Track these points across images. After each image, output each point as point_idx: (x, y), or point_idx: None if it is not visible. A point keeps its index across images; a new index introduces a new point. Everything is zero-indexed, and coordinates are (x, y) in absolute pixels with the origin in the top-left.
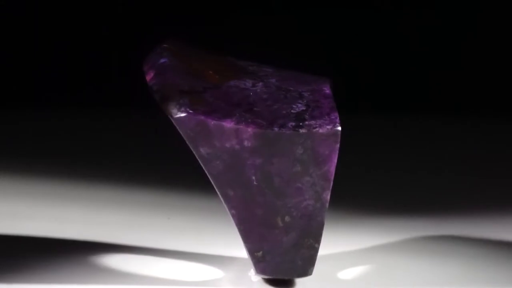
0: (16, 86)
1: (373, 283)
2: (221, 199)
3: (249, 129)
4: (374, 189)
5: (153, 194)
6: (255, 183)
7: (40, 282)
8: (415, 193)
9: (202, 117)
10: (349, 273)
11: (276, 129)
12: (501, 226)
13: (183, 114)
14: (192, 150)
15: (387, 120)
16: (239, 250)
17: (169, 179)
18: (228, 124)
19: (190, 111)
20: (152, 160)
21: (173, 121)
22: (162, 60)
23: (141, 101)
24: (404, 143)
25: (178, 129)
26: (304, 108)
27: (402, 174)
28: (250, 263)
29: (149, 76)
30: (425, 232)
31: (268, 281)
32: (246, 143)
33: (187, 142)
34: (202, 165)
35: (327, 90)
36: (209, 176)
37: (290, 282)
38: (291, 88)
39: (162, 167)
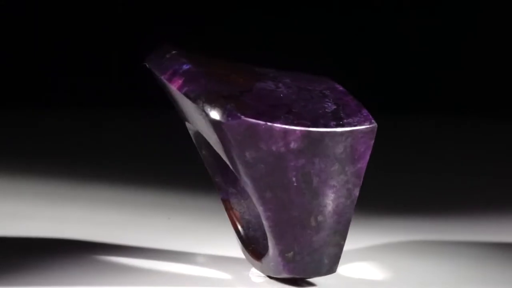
0: (16, 86)
1: (373, 282)
2: (256, 201)
3: (297, 131)
4: (374, 189)
5: (153, 194)
6: (295, 184)
7: (40, 282)
8: (415, 193)
9: (253, 121)
10: (350, 272)
11: (321, 129)
12: (502, 225)
13: (233, 119)
14: (233, 155)
15: (387, 120)
16: (239, 250)
17: (169, 179)
18: (277, 127)
19: (241, 116)
20: (152, 160)
21: (215, 126)
22: (185, 67)
23: (141, 102)
24: (404, 143)
25: (219, 135)
26: (335, 107)
27: (402, 174)
28: (248, 263)
29: (177, 84)
30: (425, 232)
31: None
32: (292, 144)
33: (226, 148)
34: (242, 169)
35: (340, 87)
36: (247, 180)
37: (295, 281)
38: (310, 88)
39: (162, 167)
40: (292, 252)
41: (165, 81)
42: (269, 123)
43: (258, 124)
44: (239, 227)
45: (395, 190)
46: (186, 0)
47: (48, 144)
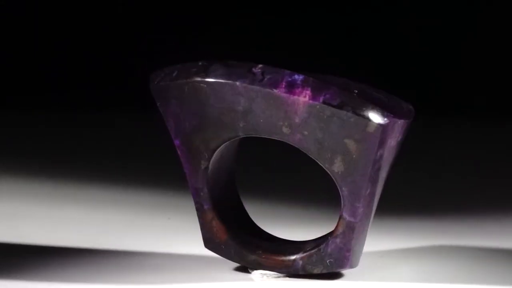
0: (16, 86)
1: (373, 282)
2: (352, 199)
3: (406, 123)
4: None
5: (153, 195)
6: (383, 175)
7: (40, 282)
8: (415, 193)
9: (396, 119)
10: (352, 272)
11: (410, 120)
12: (502, 226)
13: (389, 120)
14: (371, 154)
15: None
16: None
17: (169, 179)
18: (401, 122)
19: (392, 115)
20: (152, 161)
21: (369, 128)
22: (299, 76)
23: (141, 102)
24: (404, 143)
25: (368, 137)
26: (387, 98)
27: (402, 174)
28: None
29: (305, 94)
30: (424, 232)
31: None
32: (400, 137)
33: (366, 148)
34: (370, 166)
35: (356, 82)
36: (369, 178)
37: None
38: (359, 87)
39: (162, 167)
40: (356, 246)
41: (278, 93)
42: (401, 120)
43: (398, 121)
44: (229, 237)
45: (394, 190)
46: (186, 0)
47: (48, 144)
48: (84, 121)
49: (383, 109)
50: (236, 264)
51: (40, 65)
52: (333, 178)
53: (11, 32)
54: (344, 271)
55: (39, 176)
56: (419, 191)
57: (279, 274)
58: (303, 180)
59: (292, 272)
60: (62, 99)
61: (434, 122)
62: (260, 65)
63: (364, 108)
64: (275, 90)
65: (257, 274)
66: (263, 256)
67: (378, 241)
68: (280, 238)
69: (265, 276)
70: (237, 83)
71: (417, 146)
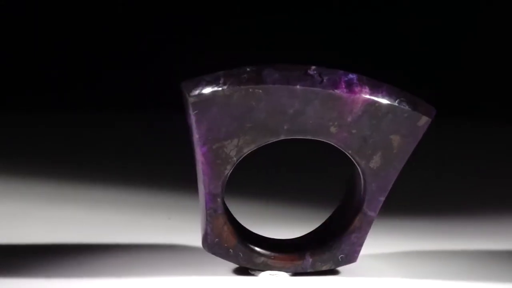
0: (15, 87)
1: (372, 282)
2: (378, 193)
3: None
4: None
5: (153, 194)
6: None
7: (40, 281)
8: (414, 194)
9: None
10: (351, 272)
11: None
12: (502, 226)
13: (433, 112)
14: (408, 148)
15: None
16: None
17: (169, 179)
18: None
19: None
20: (152, 161)
21: (422, 120)
22: (353, 75)
23: (141, 103)
24: None
25: (420, 128)
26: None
27: (401, 175)
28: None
29: (364, 92)
30: (424, 232)
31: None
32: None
33: (413, 136)
34: (404, 162)
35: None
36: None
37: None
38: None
39: (162, 167)
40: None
41: (340, 93)
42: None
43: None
44: (238, 241)
45: (394, 191)
46: (186, 0)
47: (48, 144)
48: (84, 121)
49: (427, 104)
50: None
51: (40, 65)
52: (362, 174)
53: (11, 32)
54: (344, 271)
55: (39, 176)
56: (419, 191)
57: (286, 274)
58: (297, 180)
59: (301, 271)
60: (62, 99)
61: (434, 122)
62: (313, 66)
63: (416, 103)
64: (336, 91)
65: (265, 275)
66: (272, 257)
67: (379, 241)
68: (285, 239)
69: (273, 277)
70: (297, 86)
71: (416, 146)
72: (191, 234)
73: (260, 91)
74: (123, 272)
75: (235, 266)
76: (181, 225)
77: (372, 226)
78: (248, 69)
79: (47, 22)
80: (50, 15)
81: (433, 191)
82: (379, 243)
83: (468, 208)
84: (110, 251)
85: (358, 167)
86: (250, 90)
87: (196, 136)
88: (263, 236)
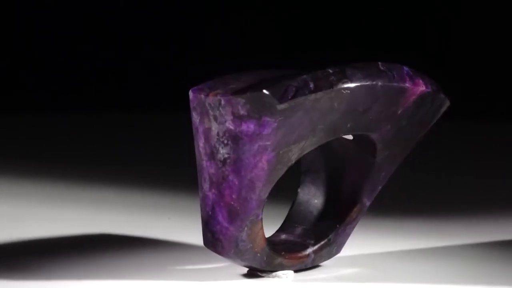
0: (15, 87)
1: (374, 281)
2: (381, 181)
3: None
4: None
5: (153, 194)
6: None
7: (40, 281)
8: (415, 194)
9: None
10: (349, 272)
11: None
12: (502, 226)
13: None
14: (421, 135)
15: None
16: None
17: (169, 179)
18: None
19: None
20: (153, 161)
21: (446, 108)
22: (406, 68)
23: (141, 103)
24: None
25: (435, 118)
26: None
27: (401, 175)
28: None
29: (423, 86)
30: (424, 232)
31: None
32: None
33: (430, 118)
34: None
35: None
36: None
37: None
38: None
39: (162, 167)
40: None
41: (407, 87)
42: None
43: None
44: (266, 244)
45: (394, 191)
46: (186, 0)
47: (47, 144)
48: (84, 121)
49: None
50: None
51: (40, 65)
52: (376, 164)
53: (11, 32)
54: (344, 272)
55: (39, 176)
56: (419, 191)
57: (291, 272)
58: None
59: (303, 267)
60: (62, 99)
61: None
62: (379, 62)
63: (442, 90)
64: (406, 85)
65: (280, 275)
66: (286, 257)
67: (378, 241)
68: (287, 238)
69: (284, 276)
70: (379, 83)
71: (416, 146)
72: (191, 235)
73: (348, 91)
74: (122, 272)
75: (235, 265)
76: (181, 225)
77: (370, 226)
78: (331, 71)
79: (47, 22)
80: (50, 15)
81: (432, 191)
82: (379, 243)
83: (468, 208)
84: (109, 251)
85: (373, 158)
86: (339, 91)
87: (266, 143)
88: (273, 236)
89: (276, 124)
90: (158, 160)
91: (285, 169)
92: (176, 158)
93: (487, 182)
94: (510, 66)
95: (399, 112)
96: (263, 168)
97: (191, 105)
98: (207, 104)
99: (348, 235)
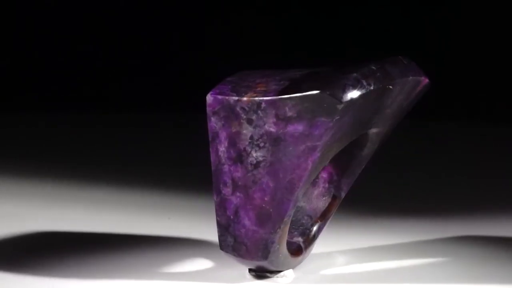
0: (15, 87)
1: (374, 281)
2: (359, 170)
3: None
4: (373, 190)
5: (154, 194)
6: None
7: (41, 281)
8: (413, 194)
9: None
10: (346, 272)
11: None
12: (502, 226)
13: None
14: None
15: None
16: None
17: (169, 179)
18: None
19: None
20: (153, 161)
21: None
22: (411, 60)
23: (141, 103)
24: (403, 143)
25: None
26: None
27: (401, 175)
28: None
29: (426, 78)
30: (423, 232)
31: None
32: None
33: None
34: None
35: None
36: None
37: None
38: None
39: (162, 167)
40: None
41: (421, 79)
42: None
43: None
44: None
45: (393, 191)
46: (186, 0)
47: (48, 144)
48: (84, 121)
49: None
50: (236, 263)
51: (40, 65)
52: (360, 158)
53: (11, 32)
54: (342, 272)
55: (39, 176)
56: (419, 191)
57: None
58: None
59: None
60: (62, 99)
61: (434, 123)
62: (400, 56)
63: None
64: (422, 77)
65: (287, 275)
66: (292, 256)
67: (378, 241)
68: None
69: (288, 276)
70: (410, 77)
71: (416, 146)
72: (191, 235)
73: (391, 87)
74: (122, 273)
75: (235, 265)
76: (181, 225)
77: (370, 226)
78: (374, 67)
79: (46, 22)
80: (50, 15)
81: (432, 191)
82: (378, 243)
83: (468, 208)
84: (109, 251)
85: (360, 151)
86: (386, 87)
87: (315, 144)
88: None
89: (331, 124)
90: (158, 160)
91: (320, 168)
92: (176, 158)
93: (487, 182)
94: (510, 66)
95: (404, 105)
96: (306, 168)
97: (210, 109)
98: (238, 108)
99: (321, 230)
